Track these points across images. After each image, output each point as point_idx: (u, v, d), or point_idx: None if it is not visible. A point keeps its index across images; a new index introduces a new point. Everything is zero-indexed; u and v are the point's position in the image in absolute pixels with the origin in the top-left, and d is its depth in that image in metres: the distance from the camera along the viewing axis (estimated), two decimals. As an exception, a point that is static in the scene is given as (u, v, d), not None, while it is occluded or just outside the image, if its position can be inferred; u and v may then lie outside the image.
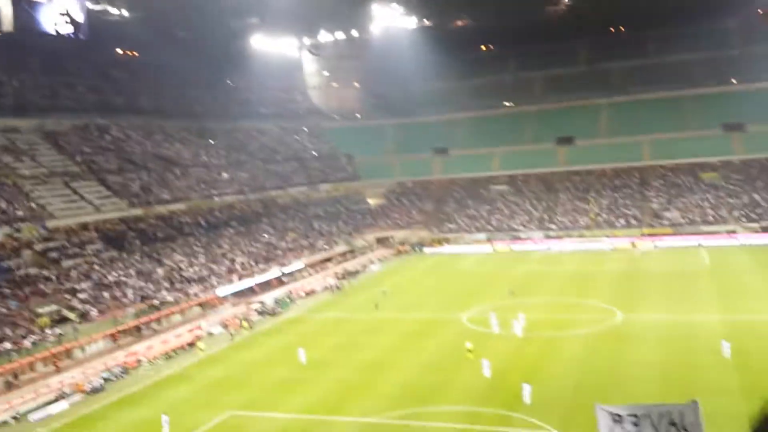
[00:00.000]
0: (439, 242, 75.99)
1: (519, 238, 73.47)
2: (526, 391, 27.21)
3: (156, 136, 74.07)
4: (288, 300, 52.62)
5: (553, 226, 74.75)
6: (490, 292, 50.14)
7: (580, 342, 35.69)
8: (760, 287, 45.40)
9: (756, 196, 70.69)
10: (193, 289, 49.61)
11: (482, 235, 75.65)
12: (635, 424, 5.89)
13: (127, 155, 65.97)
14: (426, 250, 74.40)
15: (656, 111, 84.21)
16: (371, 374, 32.24)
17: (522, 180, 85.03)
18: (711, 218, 69.54)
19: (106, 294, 44.36)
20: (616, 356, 32.33)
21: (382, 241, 77.59)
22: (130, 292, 45.48)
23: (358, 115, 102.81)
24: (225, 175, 74.24)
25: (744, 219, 67.81)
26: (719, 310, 40.27)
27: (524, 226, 76.12)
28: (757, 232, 65.08)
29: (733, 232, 66.12)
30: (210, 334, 44.38)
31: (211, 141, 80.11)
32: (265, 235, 66.97)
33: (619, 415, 5.98)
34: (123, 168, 63.16)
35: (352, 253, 71.42)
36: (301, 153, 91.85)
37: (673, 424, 5.84)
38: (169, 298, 46.78)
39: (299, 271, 61.03)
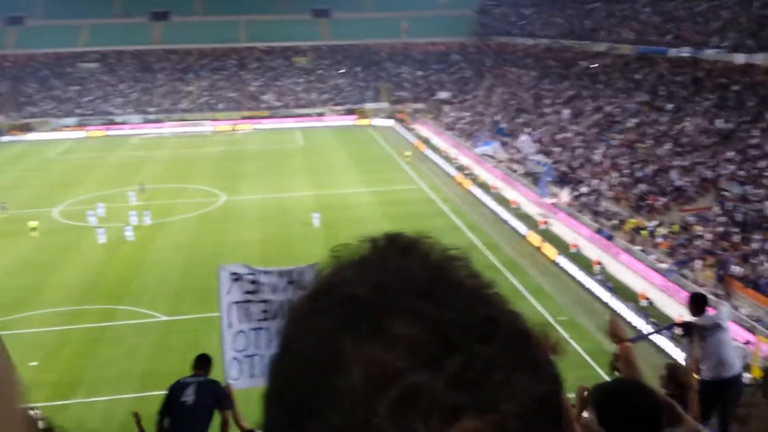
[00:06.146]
0: (21, 129, 66.10)
1: (115, 123, 68.61)
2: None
3: None
4: None
5: (152, 109, 71.61)
6: (86, 182, 46.27)
7: (185, 227, 35.78)
8: (343, 164, 51.08)
9: (341, 81, 77.99)
10: None
11: (73, 120, 68.47)
12: (253, 282, 6.08)
13: None
14: (4, 138, 64.10)
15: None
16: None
17: (115, 57, 78.51)
18: (303, 102, 74.68)
19: None
20: (221, 238, 33.29)
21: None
22: None
23: None
24: None
25: (331, 102, 74.54)
26: (310, 185, 44.26)
27: (120, 108, 71.24)
28: (342, 114, 72.30)
29: (322, 114, 72.32)
30: None
31: None
32: None
33: (238, 274, 6.05)
34: None
35: None
36: None
37: (291, 282, 6.14)
38: None
39: None
